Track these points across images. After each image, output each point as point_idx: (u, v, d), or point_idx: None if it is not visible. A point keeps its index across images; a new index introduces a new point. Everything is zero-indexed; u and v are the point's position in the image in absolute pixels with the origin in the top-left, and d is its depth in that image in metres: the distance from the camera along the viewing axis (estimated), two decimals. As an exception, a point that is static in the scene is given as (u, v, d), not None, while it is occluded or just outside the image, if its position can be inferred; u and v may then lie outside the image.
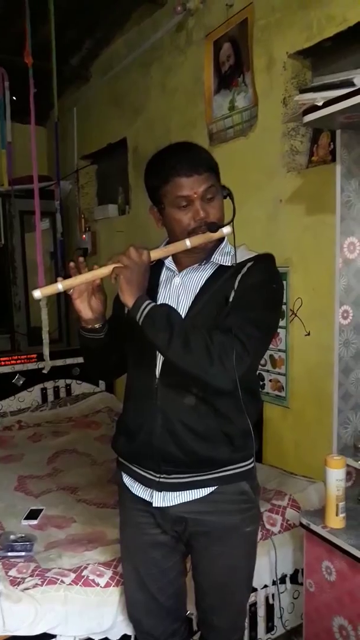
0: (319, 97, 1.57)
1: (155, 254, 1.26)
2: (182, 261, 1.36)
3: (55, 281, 1.23)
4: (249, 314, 1.22)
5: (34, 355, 3.64)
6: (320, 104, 1.56)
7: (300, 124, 2.04)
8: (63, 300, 4.23)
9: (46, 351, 3.26)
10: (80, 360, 3.70)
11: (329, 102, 1.54)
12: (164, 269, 1.39)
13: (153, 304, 1.20)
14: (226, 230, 1.28)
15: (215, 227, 1.27)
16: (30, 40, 3.04)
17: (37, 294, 1.20)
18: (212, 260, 1.34)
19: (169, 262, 1.38)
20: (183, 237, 1.27)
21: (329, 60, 2.12)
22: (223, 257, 1.34)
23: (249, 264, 1.30)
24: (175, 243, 1.28)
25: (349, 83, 1.52)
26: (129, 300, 1.20)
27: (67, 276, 1.26)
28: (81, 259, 1.28)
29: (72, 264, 1.26)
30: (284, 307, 2.26)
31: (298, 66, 2.21)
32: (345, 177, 1.69)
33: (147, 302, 1.20)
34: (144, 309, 1.19)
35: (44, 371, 3.42)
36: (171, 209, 1.28)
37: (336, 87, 1.54)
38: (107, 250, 3.74)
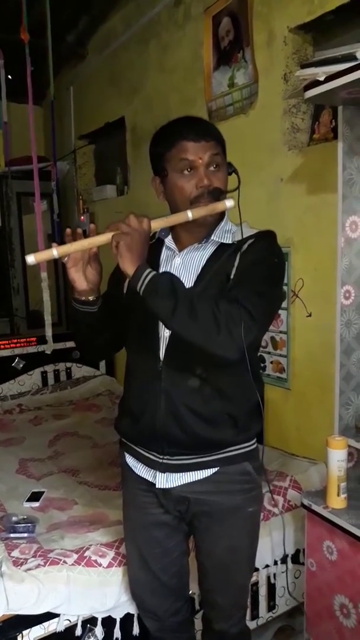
0: (321, 72, 1.53)
1: (155, 224, 1.22)
2: (182, 240, 1.34)
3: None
4: (253, 287, 1.20)
5: (34, 339, 3.63)
6: (322, 79, 1.52)
7: (302, 100, 2.01)
8: (62, 284, 4.21)
9: (49, 332, 3.24)
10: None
11: (330, 77, 1.50)
12: (164, 248, 1.37)
13: (154, 272, 1.16)
14: (229, 203, 1.25)
15: (218, 192, 1.23)
16: (26, 17, 2.97)
17: (30, 259, 1.14)
18: (212, 238, 1.31)
19: (169, 242, 1.35)
20: (185, 206, 1.24)
21: (331, 35, 2.07)
22: (224, 235, 1.32)
23: (250, 241, 1.27)
24: (176, 214, 1.25)
25: (351, 57, 1.48)
26: (129, 268, 1.15)
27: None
28: (79, 230, 1.23)
29: (68, 230, 1.20)
30: (285, 288, 2.24)
31: (299, 41, 2.16)
32: (347, 154, 1.66)
33: (148, 270, 1.15)
34: (146, 277, 1.14)
35: (47, 352, 3.40)
36: (174, 174, 1.25)
37: (338, 61, 1.50)
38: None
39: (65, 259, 1.20)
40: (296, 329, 2.25)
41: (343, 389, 1.75)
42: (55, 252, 1.16)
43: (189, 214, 1.22)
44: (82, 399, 3.54)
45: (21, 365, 3.61)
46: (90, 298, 1.28)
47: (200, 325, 1.12)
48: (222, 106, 2.52)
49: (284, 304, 2.25)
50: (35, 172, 3.10)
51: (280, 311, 2.28)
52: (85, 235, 1.26)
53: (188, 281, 1.30)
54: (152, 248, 1.27)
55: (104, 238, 1.17)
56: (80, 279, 1.24)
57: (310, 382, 2.22)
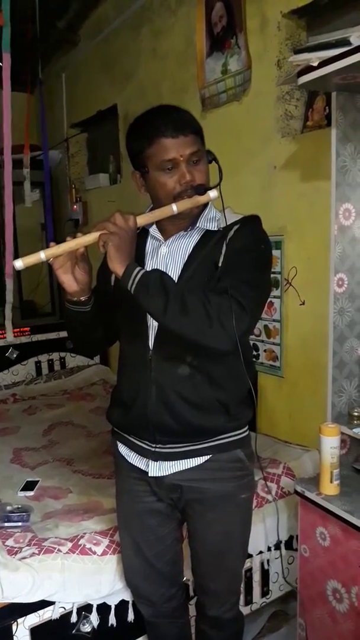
0: (314, 57, 1.51)
1: (141, 220, 1.22)
2: (167, 229, 1.33)
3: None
4: (241, 276, 1.20)
5: (27, 329, 3.62)
6: (315, 64, 1.51)
7: (295, 86, 1.99)
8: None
9: (9, 325, 3.13)
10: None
11: (324, 63, 1.48)
12: (149, 238, 1.36)
13: (144, 270, 1.16)
14: (213, 194, 1.25)
15: (202, 189, 1.23)
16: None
17: (18, 264, 1.14)
18: (197, 226, 1.31)
19: (154, 231, 1.35)
20: (168, 201, 1.24)
21: (325, 20, 2.04)
22: (209, 222, 1.32)
23: (236, 227, 1.27)
24: (161, 208, 1.24)
25: (345, 42, 1.46)
26: (118, 268, 1.15)
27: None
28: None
29: (52, 244, 1.20)
30: (278, 276, 2.24)
31: (292, 26, 2.13)
32: (340, 141, 1.65)
33: (137, 268, 1.16)
34: (135, 276, 1.15)
35: (8, 338, 3.28)
36: (155, 172, 1.25)
37: (332, 46, 1.48)
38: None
39: (50, 260, 1.19)
40: (289, 317, 2.26)
41: (336, 376, 1.75)
42: (42, 255, 1.15)
43: (174, 208, 1.22)
44: (76, 388, 3.55)
45: (15, 355, 3.60)
46: (82, 298, 1.28)
47: (192, 320, 1.13)
48: (215, 93, 2.50)
49: (277, 293, 2.25)
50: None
51: (273, 299, 2.28)
52: (77, 226, 1.24)
53: (175, 269, 1.30)
54: (137, 239, 1.26)
55: (91, 238, 1.17)
56: (70, 281, 1.23)
57: (303, 370, 2.22)
